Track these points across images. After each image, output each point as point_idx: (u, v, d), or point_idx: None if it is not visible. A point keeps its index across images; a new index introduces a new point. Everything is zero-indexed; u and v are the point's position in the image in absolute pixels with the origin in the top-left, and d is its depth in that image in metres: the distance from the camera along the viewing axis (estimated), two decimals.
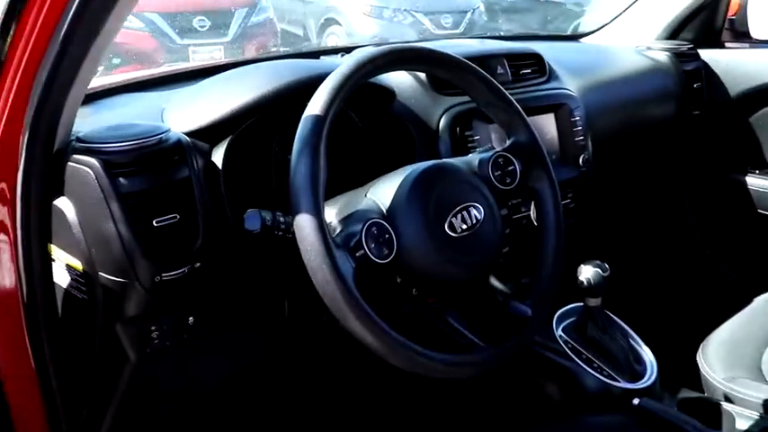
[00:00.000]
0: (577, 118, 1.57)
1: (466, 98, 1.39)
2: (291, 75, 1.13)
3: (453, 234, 0.99)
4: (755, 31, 2.01)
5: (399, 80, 1.38)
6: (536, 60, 1.59)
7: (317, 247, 0.85)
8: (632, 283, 1.42)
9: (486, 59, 1.44)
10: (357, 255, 0.91)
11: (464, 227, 1.00)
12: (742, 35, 2.04)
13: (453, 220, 0.99)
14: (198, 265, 1.01)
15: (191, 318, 1.07)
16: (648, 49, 1.96)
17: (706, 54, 2.00)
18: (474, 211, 1.02)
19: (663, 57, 1.93)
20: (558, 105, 1.55)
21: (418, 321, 1.03)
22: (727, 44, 2.06)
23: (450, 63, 1.08)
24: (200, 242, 1.01)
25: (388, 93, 1.29)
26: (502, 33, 2.06)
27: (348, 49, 1.61)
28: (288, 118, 1.20)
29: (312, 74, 1.13)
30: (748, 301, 1.78)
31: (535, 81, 1.56)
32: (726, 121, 2.06)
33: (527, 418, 1.49)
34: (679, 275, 2.25)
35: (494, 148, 1.25)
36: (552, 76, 1.61)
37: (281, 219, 0.96)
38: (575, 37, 2.18)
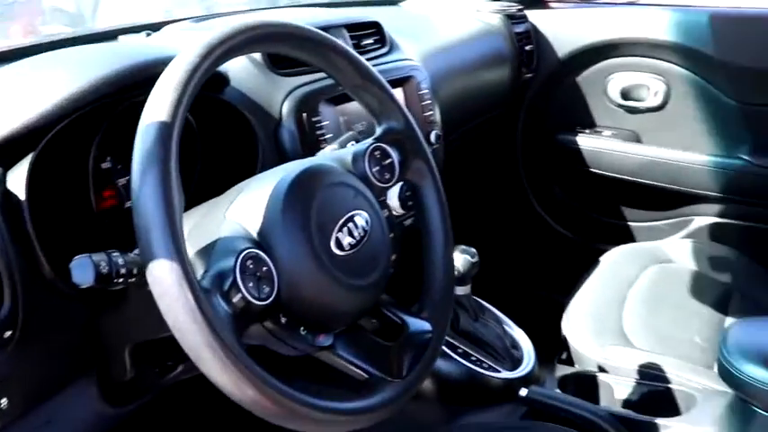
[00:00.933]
0: (425, 91, 1.45)
1: (309, 78, 1.23)
2: (108, 65, 0.88)
3: (341, 253, 0.81)
4: None
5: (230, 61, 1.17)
6: (376, 29, 1.45)
7: (184, 303, 0.63)
8: (483, 259, 1.33)
9: (326, 31, 1.27)
10: (234, 301, 0.70)
11: (352, 242, 0.82)
12: None
13: (339, 235, 0.81)
14: (7, 335, 0.75)
15: (3, 400, 0.81)
16: (478, 11, 1.88)
17: (533, 15, 1.97)
18: (360, 221, 0.84)
19: (495, 19, 1.86)
20: (405, 79, 1.42)
21: (308, 365, 0.84)
22: (552, 4, 2.02)
23: (316, 42, 0.88)
24: (8, 306, 0.75)
25: (220, 78, 1.08)
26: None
27: (154, 26, 1.37)
28: (109, 116, 0.96)
29: (138, 62, 0.89)
30: (589, 261, 1.78)
31: (377, 53, 1.42)
32: (555, 82, 2.04)
33: (407, 425, 1.38)
34: (521, 242, 2.24)
35: (356, 138, 1.09)
36: (393, 46, 1.47)
37: (120, 261, 0.72)
38: (393, 1, 2.05)
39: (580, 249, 2.09)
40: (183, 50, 0.73)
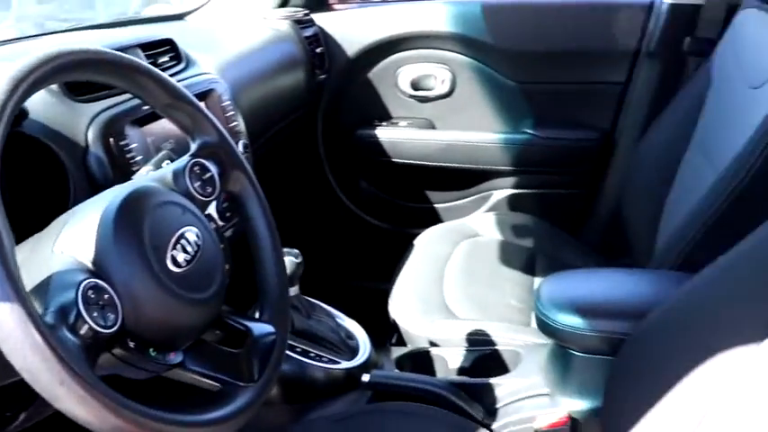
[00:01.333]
0: (227, 102, 1.46)
1: (110, 101, 1.20)
2: None
3: (179, 270, 0.81)
4: None
5: None
6: (170, 47, 1.44)
7: (31, 343, 0.61)
8: (306, 258, 1.38)
9: (122, 52, 1.25)
10: (82, 333, 0.69)
11: (187, 257, 0.83)
12: None
13: (174, 252, 0.81)
14: None
15: None
16: (265, 19, 1.91)
17: (319, 18, 2.03)
18: (192, 236, 0.85)
19: (283, 25, 1.90)
20: (206, 93, 1.42)
21: (164, 384, 0.84)
22: (335, 6, 2.09)
23: (123, 65, 0.87)
24: None
25: (19, 110, 1.03)
26: (82, 22, 1.80)
27: None
28: None
29: None
30: (404, 246, 1.87)
31: (175, 70, 1.41)
32: (348, 80, 2.12)
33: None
34: (338, 238, 2.30)
35: (170, 157, 1.08)
36: (189, 61, 1.47)
37: None
38: (180, 16, 2.03)
39: (394, 237, 2.18)
40: None
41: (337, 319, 1.48)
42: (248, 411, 0.84)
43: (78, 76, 0.84)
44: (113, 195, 0.83)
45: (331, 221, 2.32)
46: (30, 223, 0.88)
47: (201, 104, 1.20)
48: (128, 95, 1.20)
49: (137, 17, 1.88)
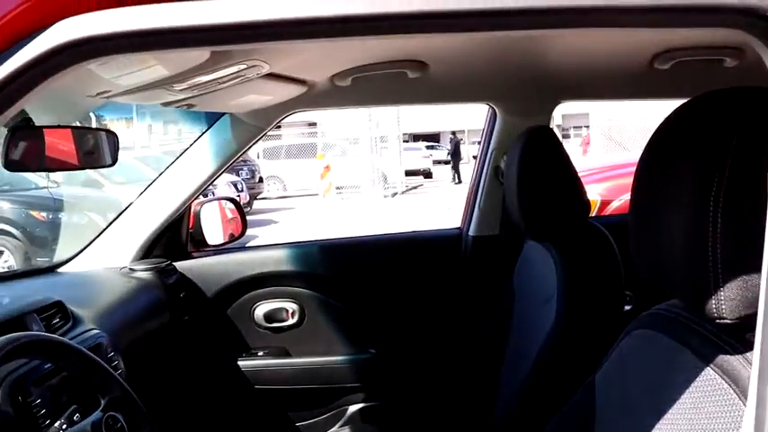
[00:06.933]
0: (112, 353, 1.63)
1: (13, 365, 1.35)
2: None
3: None
4: (210, 240, 2.38)
5: None
6: (58, 308, 1.62)
7: None
8: None
9: (22, 318, 1.43)
10: None
11: None
12: (202, 243, 2.37)
13: None
14: None
15: None
16: (132, 270, 2.12)
17: (180, 265, 2.27)
18: None
19: (147, 275, 2.11)
20: (94, 347, 1.58)
21: None
22: (194, 254, 2.35)
23: (61, 348, 1.10)
24: None
25: None
26: None
27: None
28: None
29: None
30: None
31: (65, 329, 1.58)
32: (210, 319, 2.34)
33: None
34: None
35: (78, 410, 1.27)
36: (76, 319, 1.65)
37: None
38: (52, 268, 2.19)
39: None
40: None
41: None
42: None
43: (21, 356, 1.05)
44: None
45: None
46: None
47: (109, 367, 1.40)
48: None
49: (14, 271, 2.04)
